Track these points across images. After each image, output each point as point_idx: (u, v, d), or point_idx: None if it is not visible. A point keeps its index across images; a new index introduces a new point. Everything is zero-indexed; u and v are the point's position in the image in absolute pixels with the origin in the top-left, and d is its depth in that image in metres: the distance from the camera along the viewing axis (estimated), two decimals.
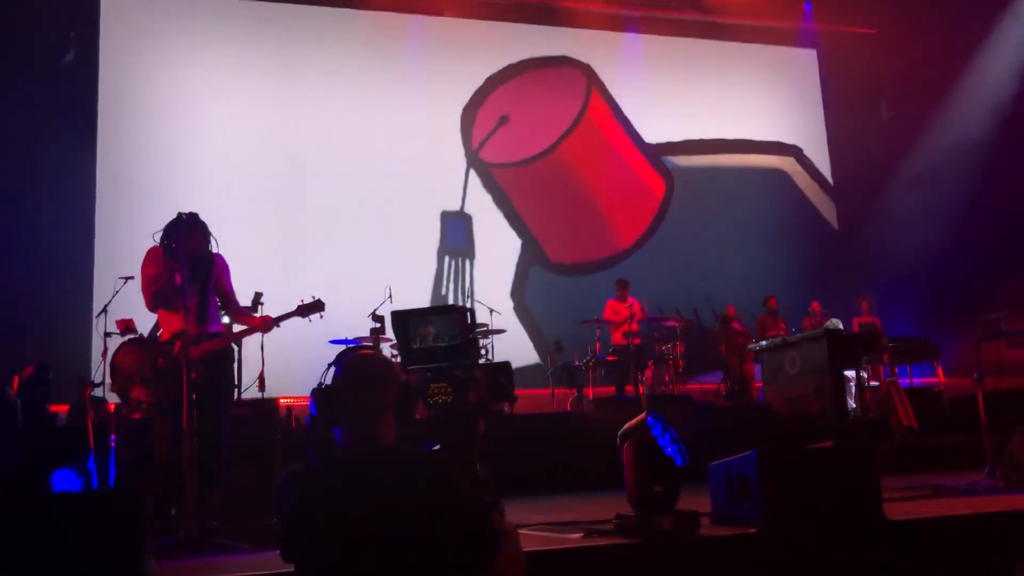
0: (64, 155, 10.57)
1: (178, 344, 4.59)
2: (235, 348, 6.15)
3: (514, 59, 13.23)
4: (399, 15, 12.77)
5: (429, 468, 2.14)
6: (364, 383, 2.21)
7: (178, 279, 4.63)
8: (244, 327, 5.11)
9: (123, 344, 4.81)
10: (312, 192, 11.98)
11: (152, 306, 4.90)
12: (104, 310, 8.76)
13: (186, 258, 4.64)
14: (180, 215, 4.81)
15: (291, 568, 2.13)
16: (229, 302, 5.08)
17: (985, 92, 12.75)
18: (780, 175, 14.26)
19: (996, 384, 8.91)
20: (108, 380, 4.78)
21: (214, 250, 4.98)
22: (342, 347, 8.50)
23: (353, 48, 12.58)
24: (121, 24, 11.66)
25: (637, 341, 10.13)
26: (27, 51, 10.89)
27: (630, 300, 10.75)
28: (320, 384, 2.27)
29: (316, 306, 5.03)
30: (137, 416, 5.37)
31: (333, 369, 2.27)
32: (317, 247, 11.78)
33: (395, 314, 4.91)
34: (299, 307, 5.02)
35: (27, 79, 10.75)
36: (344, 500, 2.06)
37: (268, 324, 4.96)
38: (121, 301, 9.15)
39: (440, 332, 4.30)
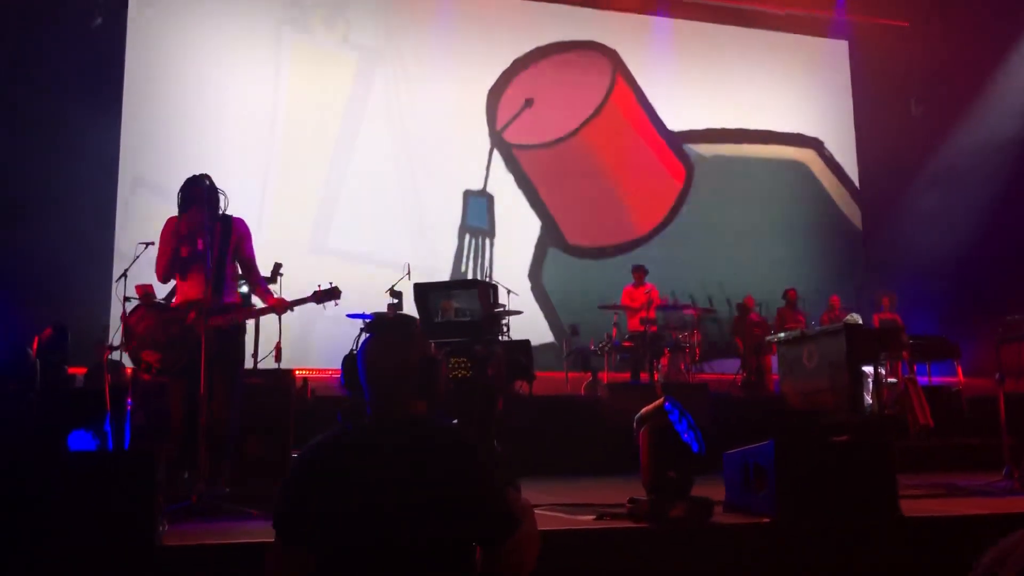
0: (89, 119, 10.59)
1: (192, 313, 4.58)
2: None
3: (542, 41, 13.15)
4: None
5: (457, 439, 2.13)
6: (391, 355, 2.19)
7: (200, 244, 4.60)
8: (259, 306, 5.08)
9: (137, 306, 4.83)
10: (336, 164, 11.99)
11: (162, 279, 4.89)
12: (124, 275, 8.79)
13: (207, 223, 4.62)
14: (193, 177, 4.76)
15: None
16: (251, 271, 5.01)
17: (1016, 92, 12.56)
18: (803, 168, 14.12)
19: (1016, 386, 8.82)
20: (124, 339, 4.78)
21: (234, 214, 4.94)
22: (359, 321, 8.52)
23: (382, 22, 12.52)
24: None
25: (654, 328, 10.08)
26: (56, 13, 10.89)
27: (647, 286, 10.70)
28: (352, 351, 2.26)
29: (332, 293, 4.92)
30: (147, 377, 5.38)
31: (364, 336, 2.25)
32: (339, 219, 11.83)
33: (417, 286, 4.88)
34: (315, 293, 4.92)
35: (55, 42, 10.76)
36: (369, 465, 2.04)
37: (283, 307, 4.91)
38: (141, 266, 9.18)
39: (462, 306, 4.28)
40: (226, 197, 4.87)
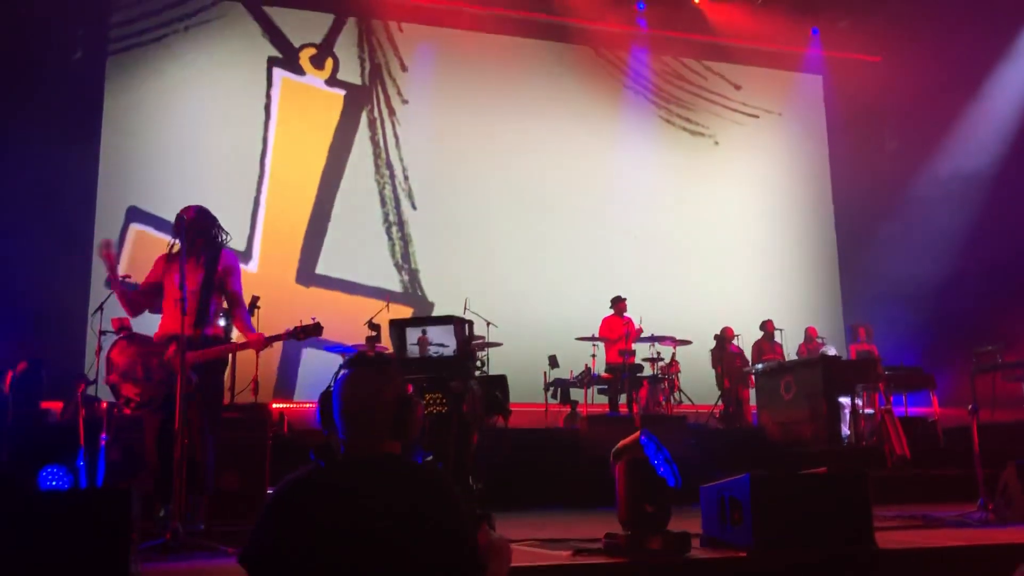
0: (66, 157, 10.55)
1: (172, 347, 4.55)
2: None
3: (520, 77, 13.28)
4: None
5: (429, 480, 2.12)
6: (366, 393, 2.19)
7: (176, 278, 4.57)
8: (239, 342, 5.05)
9: (119, 340, 4.77)
10: (323, 198, 12.17)
11: (129, 313, 4.95)
12: (100, 308, 8.75)
13: (186, 255, 4.60)
14: (182, 211, 4.80)
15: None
16: (236, 306, 4.96)
17: (988, 124, 12.78)
18: (779, 200, 14.26)
19: (991, 416, 8.89)
20: (104, 373, 4.74)
21: (226, 247, 4.95)
22: (337, 354, 8.47)
23: (366, 62, 12.67)
24: (127, 30, 11.75)
25: (632, 359, 10.10)
26: (36, 45, 10.87)
27: (627, 318, 10.73)
28: (329, 388, 2.25)
29: (313, 329, 4.82)
30: (127, 412, 5.34)
31: (341, 373, 2.24)
32: (325, 252, 12.00)
33: (393, 322, 4.89)
34: (296, 328, 4.81)
35: (33, 73, 10.73)
36: (338, 503, 2.03)
37: (261, 343, 4.84)
38: (117, 300, 9.12)
39: (437, 342, 4.27)
40: (225, 233, 4.92)
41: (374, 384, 2.20)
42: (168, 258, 4.84)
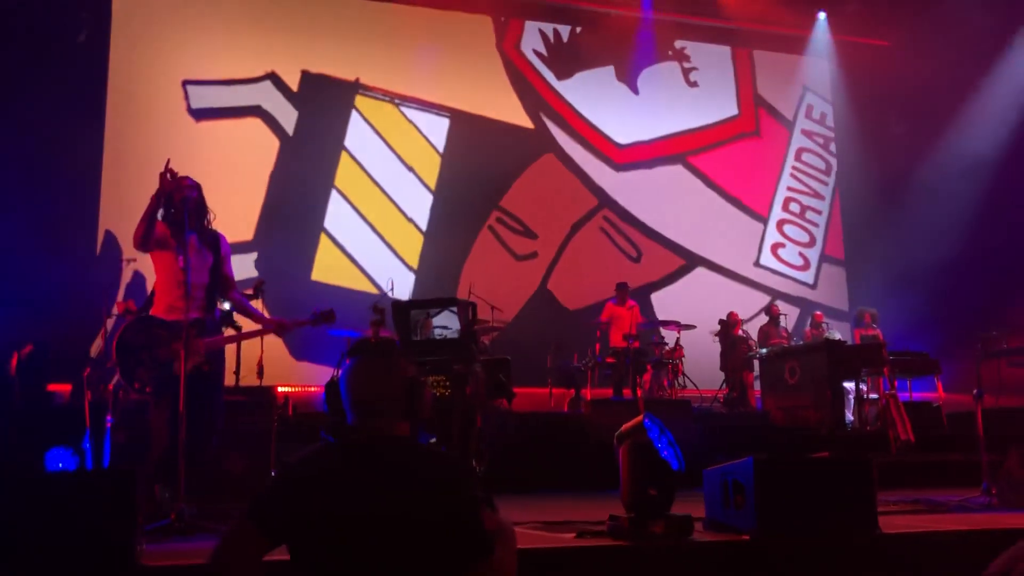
0: (72, 135, 10.52)
1: (193, 332, 4.45)
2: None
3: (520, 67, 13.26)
4: None
5: (437, 461, 2.14)
6: (375, 380, 2.21)
7: (181, 261, 4.52)
8: (256, 327, 4.99)
9: (133, 322, 4.64)
10: (340, 193, 12.15)
11: (142, 244, 4.61)
12: (105, 290, 8.76)
13: (191, 234, 4.53)
14: (185, 179, 4.61)
15: (283, 554, 2.13)
16: (232, 289, 4.92)
17: (996, 110, 12.70)
18: (785, 183, 14.21)
19: (995, 402, 8.89)
20: (113, 356, 4.63)
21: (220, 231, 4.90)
22: (345, 338, 8.44)
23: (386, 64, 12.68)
24: (133, 6, 11.71)
25: (636, 344, 10.11)
26: (41, 27, 10.83)
27: (630, 303, 10.73)
28: (334, 378, 2.28)
29: (327, 316, 4.86)
30: (134, 396, 5.31)
31: (346, 361, 2.27)
32: (328, 234, 11.95)
33: (396, 304, 4.89)
34: (313, 316, 4.83)
35: (39, 54, 10.69)
36: (349, 482, 2.06)
37: (283, 329, 4.84)
38: (123, 282, 9.18)
39: (441, 325, 4.26)
40: (211, 213, 4.81)
41: (382, 371, 2.23)
42: (172, 232, 4.64)
